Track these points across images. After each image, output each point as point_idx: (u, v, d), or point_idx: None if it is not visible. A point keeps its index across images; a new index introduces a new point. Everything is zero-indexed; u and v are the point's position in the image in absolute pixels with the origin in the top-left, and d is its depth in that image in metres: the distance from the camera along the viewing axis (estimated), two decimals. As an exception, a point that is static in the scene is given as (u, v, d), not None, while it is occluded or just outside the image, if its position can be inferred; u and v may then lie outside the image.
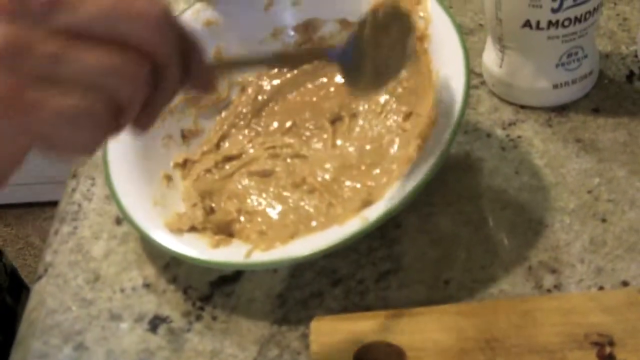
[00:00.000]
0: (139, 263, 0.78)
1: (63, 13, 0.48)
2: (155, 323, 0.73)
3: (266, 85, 0.86)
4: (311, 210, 0.76)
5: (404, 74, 0.79)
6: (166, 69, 0.52)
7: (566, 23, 0.79)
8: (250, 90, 0.86)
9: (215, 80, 0.59)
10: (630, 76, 0.86)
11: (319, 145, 0.81)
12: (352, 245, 0.72)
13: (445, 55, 0.74)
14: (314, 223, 0.74)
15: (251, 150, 0.82)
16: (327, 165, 0.79)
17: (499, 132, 0.83)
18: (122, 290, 0.76)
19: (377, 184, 0.75)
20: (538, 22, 0.79)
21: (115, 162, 0.77)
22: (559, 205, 0.76)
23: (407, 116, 0.78)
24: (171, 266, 0.77)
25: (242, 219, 0.77)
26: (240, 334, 0.71)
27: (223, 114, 0.85)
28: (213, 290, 0.74)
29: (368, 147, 0.79)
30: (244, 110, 0.85)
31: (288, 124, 0.84)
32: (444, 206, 0.77)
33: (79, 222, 0.82)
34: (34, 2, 0.47)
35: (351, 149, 0.80)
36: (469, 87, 0.71)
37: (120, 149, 0.77)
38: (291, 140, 0.82)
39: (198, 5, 0.86)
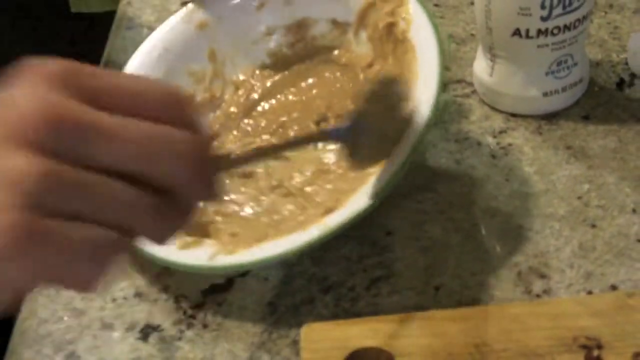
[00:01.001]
0: (130, 273, 0.78)
1: (97, 147, 0.45)
2: (146, 332, 0.73)
3: (258, 85, 0.87)
4: (285, 213, 0.76)
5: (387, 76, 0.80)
6: (192, 199, 0.50)
7: (555, 31, 0.79)
8: (242, 91, 0.87)
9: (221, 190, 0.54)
10: (621, 84, 0.86)
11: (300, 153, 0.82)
12: (320, 250, 0.73)
13: (423, 58, 0.75)
14: (283, 227, 0.75)
15: (238, 151, 0.83)
16: (306, 168, 0.79)
17: (490, 140, 0.83)
18: (114, 300, 0.76)
19: (350, 188, 0.75)
20: (527, 31, 0.79)
21: None
22: (549, 211, 0.76)
23: None
24: (163, 275, 0.77)
25: (218, 219, 0.77)
26: (232, 341, 0.71)
27: (217, 113, 0.86)
28: (204, 299, 0.75)
29: None
30: (235, 110, 0.86)
31: (275, 124, 0.84)
32: (434, 214, 0.78)
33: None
34: (68, 133, 0.44)
35: (331, 153, 0.80)
36: (441, 90, 0.72)
37: None
38: (276, 142, 0.83)
39: (190, 7, 0.87)
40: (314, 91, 0.86)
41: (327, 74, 0.86)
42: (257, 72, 0.88)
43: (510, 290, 0.71)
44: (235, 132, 0.85)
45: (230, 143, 0.84)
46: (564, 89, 0.83)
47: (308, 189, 0.78)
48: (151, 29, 0.96)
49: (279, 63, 0.88)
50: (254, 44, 0.88)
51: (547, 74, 0.82)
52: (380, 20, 0.82)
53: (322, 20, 0.87)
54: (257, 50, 0.88)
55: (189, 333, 0.72)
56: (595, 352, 0.63)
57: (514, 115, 0.85)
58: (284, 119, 0.84)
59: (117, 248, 0.47)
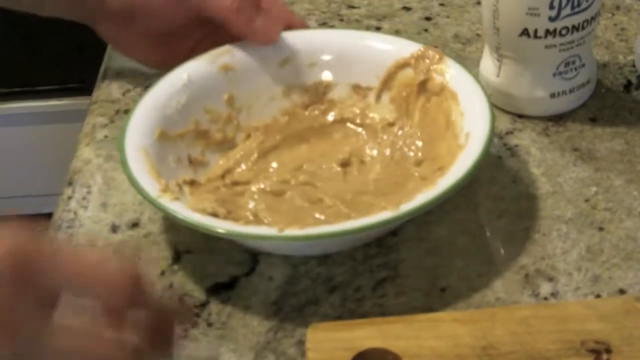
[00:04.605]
0: (134, 270, 0.77)
1: (42, 277, 0.53)
2: (150, 330, 0.73)
3: (273, 135, 0.86)
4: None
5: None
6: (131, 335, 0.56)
7: (564, 32, 0.79)
8: (253, 139, 0.85)
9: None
10: (628, 86, 0.86)
11: (330, 181, 0.81)
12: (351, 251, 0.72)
13: (467, 104, 0.77)
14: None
15: (259, 179, 0.82)
16: (344, 192, 0.79)
17: (496, 141, 0.83)
18: (118, 297, 0.75)
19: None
20: (536, 31, 0.79)
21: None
22: (556, 213, 0.76)
23: (419, 163, 0.80)
24: (167, 274, 0.76)
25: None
26: (236, 340, 0.71)
27: (230, 153, 0.85)
28: (209, 297, 0.74)
29: (383, 180, 0.80)
30: (250, 152, 0.85)
31: (296, 163, 0.83)
32: (441, 215, 0.77)
33: (74, 230, 0.81)
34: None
35: (367, 181, 0.80)
36: (489, 147, 0.72)
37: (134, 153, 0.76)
38: (301, 175, 0.82)
39: (218, 50, 0.86)
40: (335, 140, 0.85)
41: (345, 131, 0.86)
42: (270, 124, 0.86)
43: (517, 293, 0.71)
44: (252, 166, 0.83)
45: (248, 174, 0.83)
46: (571, 90, 0.83)
47: (352, 202, 0.78)
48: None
49: (292, 120, 0.87)
50: (270, 100, 0.86)
51: (554, 75, 0.82)
52: (411, 79, 0.82)
53: (343, 83, 0.86)
54: (273, 106, 0.86)
55: (193, 331, 0.72)
56: (604, 357, 0.62)
57: (520, 116, 0.84)
58: (304, 161, 0.84)
59: None
